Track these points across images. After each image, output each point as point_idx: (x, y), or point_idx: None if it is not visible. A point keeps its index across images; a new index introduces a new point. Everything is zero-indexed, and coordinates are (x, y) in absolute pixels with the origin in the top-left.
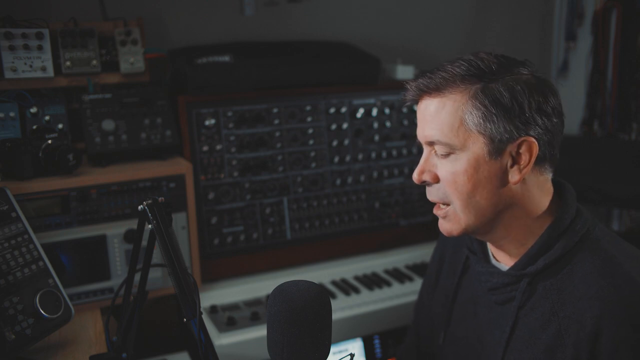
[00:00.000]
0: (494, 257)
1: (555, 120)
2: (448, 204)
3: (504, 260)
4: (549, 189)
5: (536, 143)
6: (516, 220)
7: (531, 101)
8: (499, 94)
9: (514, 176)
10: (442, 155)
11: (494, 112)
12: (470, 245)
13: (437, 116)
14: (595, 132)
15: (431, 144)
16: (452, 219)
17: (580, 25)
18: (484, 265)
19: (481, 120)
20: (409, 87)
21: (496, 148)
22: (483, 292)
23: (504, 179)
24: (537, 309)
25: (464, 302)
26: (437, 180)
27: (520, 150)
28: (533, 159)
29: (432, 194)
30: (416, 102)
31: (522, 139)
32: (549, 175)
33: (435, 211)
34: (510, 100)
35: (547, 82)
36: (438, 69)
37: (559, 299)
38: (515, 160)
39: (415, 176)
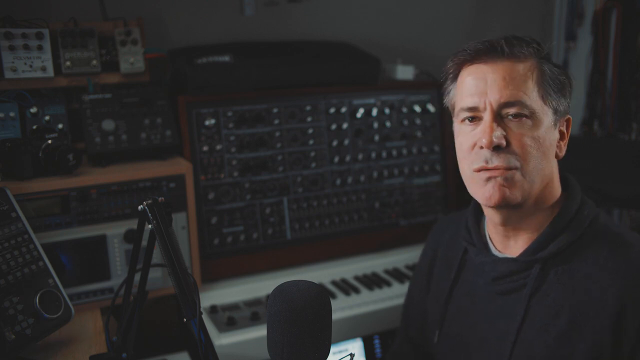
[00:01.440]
0: (495, 248)
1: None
2: (514, 169)
3: (508, 251)
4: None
5: (571, 121)
6: (541, 202)
7: (571, 82)
8: (559, 71)
9: (562, 149)
10: (516, 119)
11: (561, 86)
12: (468, 238)
13: (519, 79)
14: (595, 132)
15: (507, 105)
16: (516, 184)
17: (580, 25)
18: (487, 255)
19: (557, 89)
20: (480, 45)
21: (555, 120)
22: (484, 284)
23: (555, 152)
24: (549, 296)
25: (460, 298)
26: (506, 144)
27: (562, 127)
28: (568, 135)
29: (495, 159)
30: (461, 67)
31: (568, 115)
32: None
33: (493, 172)
34: (568, 78)
35: None
36: (493, 39)
37: (572, 284)
38: (561, 136)
39: (485, 141)
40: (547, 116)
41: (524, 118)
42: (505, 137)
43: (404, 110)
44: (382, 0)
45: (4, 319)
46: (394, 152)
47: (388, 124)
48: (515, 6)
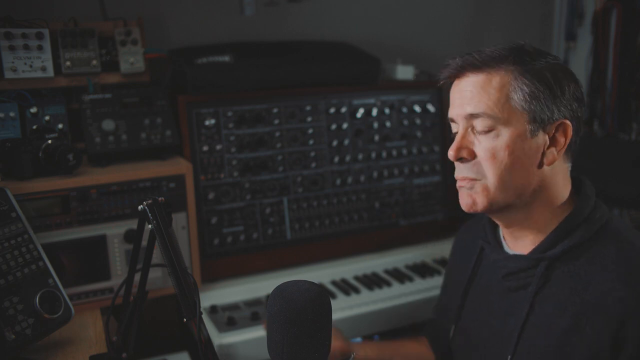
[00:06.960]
0: (508, 246)
1: (582, 107)
2: (478, 180)
3: (518, 249)
4: (569, 180)
5: (571, 126)
6: (540, 206)
7: (570, 85)
8: (543, 75)
9: (549, 157)
10: (482, 131)
11: (540, 90)
12: (484, 236)
13: (483, 91)
14: (595, 132)
15: (473, 117)
16: (479, 192)
17: (580, 25)
18: (500, 252)
19: (527, 98)
20: (451, 63)
21: (537, 127)
22: (497, 280)
23: (539, 160)
24: (553, 295)
25: (476, 295)
26: (473, 156)
27: (557, 133)
28: (567, 142)
29: (464, 170)
30: (451, 79)
31: (561, 121)
32: (569, 165)
33: (461, 183)
34: (554, 82)
35: (572, 72)
36: (479, 51)
37: (577, 285)
38: (552, 142)
39: (451, 153)
40: (519, 124)
41: (493, 130)
42: (473, 150)
43: (404, 110)
44: (381, 0)
45: (4, 319)
46: (394, 152)
47: (388, 124)
48: (515, 6)
